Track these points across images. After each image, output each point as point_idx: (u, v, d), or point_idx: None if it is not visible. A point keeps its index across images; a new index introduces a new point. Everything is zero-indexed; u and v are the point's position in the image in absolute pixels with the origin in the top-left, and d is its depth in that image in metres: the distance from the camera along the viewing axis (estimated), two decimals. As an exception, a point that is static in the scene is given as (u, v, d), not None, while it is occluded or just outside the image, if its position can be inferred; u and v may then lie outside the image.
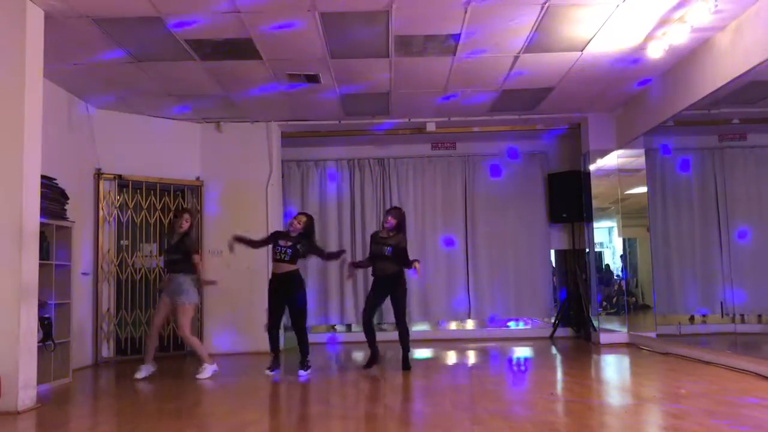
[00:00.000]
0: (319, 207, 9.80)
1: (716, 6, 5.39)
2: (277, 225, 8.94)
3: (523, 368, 6.81)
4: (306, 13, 5.54)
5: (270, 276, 6.79)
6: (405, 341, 6.65)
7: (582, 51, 6.56)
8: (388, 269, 6.68)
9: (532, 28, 5.95)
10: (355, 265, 7.41)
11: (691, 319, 8.09)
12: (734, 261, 6.79)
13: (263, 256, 8.58)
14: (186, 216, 6.65)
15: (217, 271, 8.61)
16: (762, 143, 6.99)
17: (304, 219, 6.77)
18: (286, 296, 6.59)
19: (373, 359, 6.71)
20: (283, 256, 6.58)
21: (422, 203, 9.83)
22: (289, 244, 6.61)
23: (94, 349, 7.75)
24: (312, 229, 6.85)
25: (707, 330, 7.81)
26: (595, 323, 8.86)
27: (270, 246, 6.96)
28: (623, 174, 8.81)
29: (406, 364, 6.59)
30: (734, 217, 6.83)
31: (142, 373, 6.41)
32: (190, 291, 6.46)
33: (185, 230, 6.60)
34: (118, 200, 8.16)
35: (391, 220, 6.72)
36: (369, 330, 6.69)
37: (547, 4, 5.48)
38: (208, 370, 6.48)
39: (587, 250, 9.22)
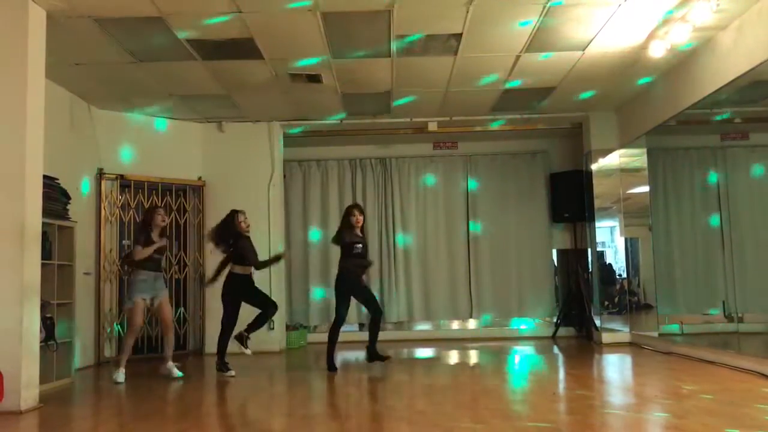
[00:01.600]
0: (321, 207, 9.81)
1: (718, 5, 5.38)
2: (278, 225, 8.95)
3: (525, 367, 6.80)
4: (308, 13, 5.54)
5: (230, 277, 6.63)
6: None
7: (584, 50, 6.55)
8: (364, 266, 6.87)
9: (534, 27, 5.94)
10: (365, 266, 7.14)
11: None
12: (737, 260, 6.77)
13: (263, 257, 8.60)
14: (162, 212, 6.64)
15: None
16: (764, 142, 6.97)
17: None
18: (246, 297, 6.65)
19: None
20: None
21: (424, 203, 9.83)
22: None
23: (96, 348, 7.76)
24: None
25: (709, 329, 7.79)
26: (597, 323, 8.85)
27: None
28: (625, 173, 8.81)
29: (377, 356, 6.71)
30: (736, 217, 6.81)
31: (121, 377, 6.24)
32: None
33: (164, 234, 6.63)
34: (120, 200, 8.17)
35: (362, 218, 6.82)
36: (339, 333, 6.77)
37: (548, 4, 5.48)
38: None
39: (589, 249, 9.21)
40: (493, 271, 9.68)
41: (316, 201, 9.84)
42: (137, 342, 8.16)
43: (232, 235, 6.65)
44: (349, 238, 6.73)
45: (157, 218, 6.51)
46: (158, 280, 6.53)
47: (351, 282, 6.74)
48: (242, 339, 6.55)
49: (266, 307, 6.68)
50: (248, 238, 6.76)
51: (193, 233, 8.84)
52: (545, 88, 7.77)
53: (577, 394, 5.20)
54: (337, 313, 6.69)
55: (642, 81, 7.52)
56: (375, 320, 6.88)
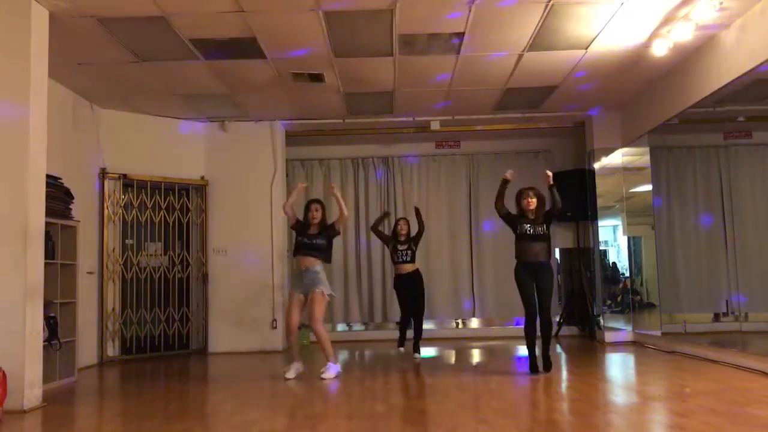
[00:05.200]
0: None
1: (721, 4, 5.37)
2: (280, 225, 8.94)
3: (527, 367, 6.80)
4: (310, 12, 5.54)
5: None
6: None
7: (586, 49, 6.54)
8: None
9: (537, 26, 5.94)
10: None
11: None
12: (740, 259, 6.76)
13: (266, 256, 8.64)
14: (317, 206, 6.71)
15: (220, 271, 8.67)
16: (767, 141, 6.96)
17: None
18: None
19: None
20: None
21: (426, 202, 9.82)
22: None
23: (99, 348, 7.78)
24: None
25: (712, 328, 7.78)
26: (600, 321, 8.84)
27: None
28: (628, 172, 8.79)
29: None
30: (739, 215, 6.80)
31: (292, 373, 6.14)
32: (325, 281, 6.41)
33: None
34: (123, 199, 8.18)
35: (534, 202, 6.31)
36: None
37: (551, 3, 5.47)
38: (332, 369, 6.13)
39: (592, 248, 9.20)
40: (495, 270, 9.66)
41: (319, 200, 9.83)
42: (141, 341, 8.21)
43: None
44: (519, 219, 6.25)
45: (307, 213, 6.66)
46: (306, 275, 6.35)
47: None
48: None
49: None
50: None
51: (195, 233, 8.83)
52: (547, 86, 7.76)
53: (581, 393, 5.20)
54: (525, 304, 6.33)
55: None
56: (543, 318, 6.41)
